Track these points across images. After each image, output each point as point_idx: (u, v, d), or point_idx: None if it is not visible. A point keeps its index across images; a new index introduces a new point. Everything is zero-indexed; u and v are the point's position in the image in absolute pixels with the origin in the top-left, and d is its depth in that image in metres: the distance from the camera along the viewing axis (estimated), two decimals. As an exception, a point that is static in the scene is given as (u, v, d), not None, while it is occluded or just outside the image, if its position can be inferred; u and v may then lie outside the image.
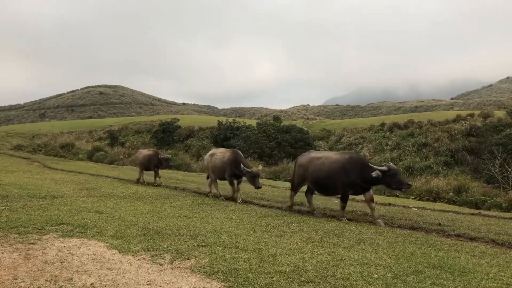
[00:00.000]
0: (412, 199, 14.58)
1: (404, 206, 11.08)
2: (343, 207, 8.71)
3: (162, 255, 5.23)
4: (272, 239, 6.34)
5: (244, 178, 10.94)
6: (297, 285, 4.31)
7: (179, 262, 4.98)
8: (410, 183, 9.41)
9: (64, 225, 6.64)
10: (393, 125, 38.05)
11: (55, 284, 4.15)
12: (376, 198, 10.30)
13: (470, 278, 4.66)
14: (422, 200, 14.31)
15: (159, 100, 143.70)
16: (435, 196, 14.66)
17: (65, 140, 38.52)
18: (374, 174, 8.08)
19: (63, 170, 19.41)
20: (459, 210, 11.10)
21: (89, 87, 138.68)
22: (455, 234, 7.21)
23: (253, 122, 41.36)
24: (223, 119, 40.65)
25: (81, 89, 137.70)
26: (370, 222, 8.31)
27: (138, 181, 14.89)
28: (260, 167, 11.85)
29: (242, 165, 10.53)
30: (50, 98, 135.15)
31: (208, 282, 4.33)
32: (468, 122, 33.61)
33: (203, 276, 4.51)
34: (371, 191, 8.54)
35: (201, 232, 6.57)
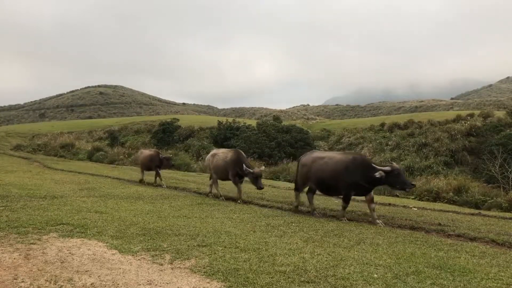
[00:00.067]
0: (412, 199, 14.57)
1: (404, 206, 11.07)
2: (344, 207, 8.69)
3: (162, 255, 5.24)
4: (272, 239, 6.34)
5: (245, 178, 10.91)
6: (297, 285, 4.31)
7: (179, 262, 4.98)
8: (414, 183, 9.37)
9: (64, 225, 6.64)
10: (393, 125, 38.06)
11: (55, 284, 4.15)
12: (376, 198, 10.30)
13: (470, 278, 4.66)
14: (422, 200, 14.30)
15: (159, 100, 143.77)
16: (435, 196, 14.65)
17: (65, 140, 38.51)
18: (377, 174, 8.03)
19: (63, 170, 19.40)
20: (459, 210, 11.09)
21: (89, 87, 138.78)
22: (455, 234, 7.21)
23: (253, 122, 41.36)
24: (223, 119, 40.66)
25: (81, 89, 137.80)
26: (370, 222, 8.30)
27: (141, 182, 14.84)
28: (263, 168, 11.83)
29: (244, 165, 10.51)
30: (50, 98, 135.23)
31: (208, 282, 4.33)
32: (468, 122, 33.62)
33: (203, 276, 4.51)
34: (372, 191, 8.54)
35: (201, 232, 6.57)
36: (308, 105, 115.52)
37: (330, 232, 7.02)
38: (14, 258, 4.86)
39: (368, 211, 8.83)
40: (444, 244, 6.44)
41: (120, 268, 4.69)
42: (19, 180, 13.10)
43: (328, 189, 9.11)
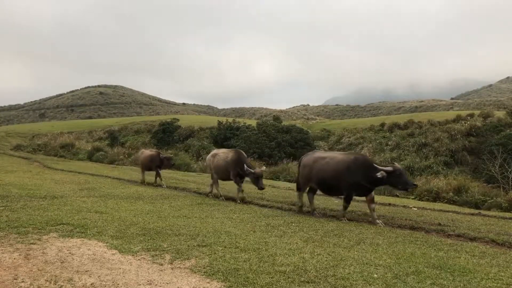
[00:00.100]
0: (412, 199, 14.57)
1: (404, 206, 11.07)
2: (345, 207, 8.67)
3: (162, 255, 5.24)
4: (272, 239, 6.34)
5: (246, 179, 10.90)
6: (297, 285, 4.31)
7: (179, 262, 4.98)
8: (416, 183, 9.34)
9: (64, 225, 6.64)
10: (393, 125, 38.07)
11: (55, 284, 4.15)
12: (376, 198, 10.29)
13: (470, 278, 4.66)
14: (422, 200, 14.30)
15: (159, 100, 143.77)
16: (435, 196, 14.65)
17: (65, 140, 38.52)
18: (379, 174, 8.01)
19: (63, 170, 19.40)
20: (459, 210, 11.08)
21: (89, 87, 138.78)
22: (455, 234, 7.21)
23: (253, 122, 41.36)
24: (223, 119, 40.66)
25: (81, 89, 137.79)
26: (370, 222, 8.30)
27: (142, 183, 14.77)
28: (264, 168, 11.83)
29: (245, 165, 10.50)
30: (50, 98, 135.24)
31: (208, 282, 4.33)
32: (468, 122, 33.63)
33: (203, 276, 4.51)
34: (372, 192, 8.52)
35: (201, 232, 6.57)
36: (308, 105, 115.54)
37: (330, 232, 7.02)
38: (14, 258, 4.86)
39: (368, 211, 8.82)
40: (444, 244, 6.44)
41: (120, 268, 4.69)
42: (19, 180, 13.10)
43: (330, 189, 9.08)
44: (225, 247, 5.70)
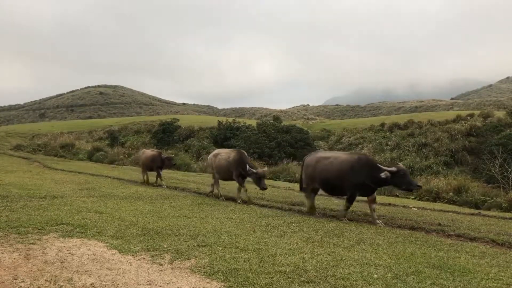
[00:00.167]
0: (412, 199, 14.58)
1: (404, 206, 11.07)
2: (347, 208, 8.62)
3: (162, 255, 5.23)
4: (272, 239, 6.34)
5: (248, 179, 10.88)
6: (297, 285, 4.31)
7: (179, 262, 4.98)
8: (420, 184, 9.30)
9: (64, 225, 6.64)
10: (393, 125, 38.07)
11: (55, 284, 4.15)
12: (376, 198, 10.30)
13: (470, 278, 4.66)
14: (422, 200, 14.30)
15: (159, 100, 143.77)
16: (435, 196, 14.65)
17: (65, 140, 38.53)
18: (383, 175, 7.99)
19: (63, 170, 19.40)
20: (459, 210, 11.08)
21: (89, 87, 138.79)
22: (455, 234, 7.21)
23: (253, 122, 41.37)
24: (223, 119, 40.67)
25: (81, 89, 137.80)
26: (370, 222, 8.30)
27: (147, 182, 14.71)
28: (266, 169, 11.83)
29: (247, 165, 10.49)
30: (50, 98, 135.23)
31: (208, 282, 4.33)
32: (468, 122, 33.64)
33: (203, 276, 4.51)
34: (375, 192, 8.50)
35: (201, 232, 6.57)
36: (308, 105, 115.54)
37: (330, 232, 7.02)
38: (14, 258, 4.86)
39: (368, 211, 8.82)
40: (444, 244, 6.44)
41: (120, 268, 4.69)
42: (19, 180, 13.10)
43: (333, 190, 9.00)
44: (225, 247, 5.69)
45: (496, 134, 28.93)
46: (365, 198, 8.66)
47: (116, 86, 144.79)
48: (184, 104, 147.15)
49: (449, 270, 4.93)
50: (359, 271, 4.79)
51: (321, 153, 9.48)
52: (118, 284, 4.23)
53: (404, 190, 9.76)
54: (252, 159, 26.88)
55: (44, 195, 10.06)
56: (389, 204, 11.36)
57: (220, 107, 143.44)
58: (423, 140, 32.13)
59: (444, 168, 26.96)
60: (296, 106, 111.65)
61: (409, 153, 30.85)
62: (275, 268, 4.80)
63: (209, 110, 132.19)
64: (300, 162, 22.67)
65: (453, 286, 4.41)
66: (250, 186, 11.40)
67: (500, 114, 36.54)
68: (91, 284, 4.21)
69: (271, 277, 4.49)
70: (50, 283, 4.18)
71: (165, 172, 16.83)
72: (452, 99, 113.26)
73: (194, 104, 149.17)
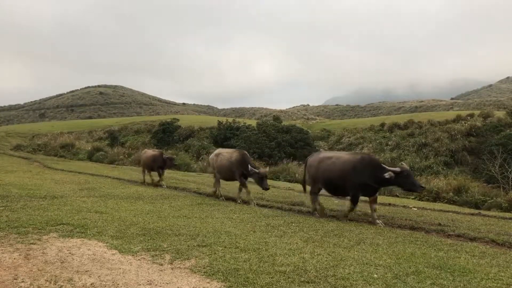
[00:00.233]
0: (412, 199, 14.58)
1: (404, 206, 11.07)
2: (352, 209, 8.52)
3: (162, 255, 5.24)
4: (272, 239, 6.34)
5: (249, 179, 10.88)
6: (297, 285, 4.31)
7: (179, 262, 4.98)
8: (424, 185, 9.26)
9: (64, 225, 6.64)
10: (393, 125, 38.08)
11: (55, 284, 4.15)
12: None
13: (470, 278, 4.66)
14: (422, 200, 14.31)
15: (159, 100, 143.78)
16: (435, 196, 14.65)
17: (65, 140, 38.54)
18: (386, 175, 7.93)
19: (63, 170, 19.40)
20: (459, 210, 11.09)
21: (89, 87, 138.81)
22: (455, 234, 7.21)
23: (253, 122, 41.37)
24: (223, 119, 40.67)
25: (81, 89, 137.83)
26: (370, 222, 8.30)
27: (152, 182, 14.65)
28: (267, 169, 11.83)
29: (249, 165, 10.49)
30: (50, 98, 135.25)
31: (208, 282, 4.33)
32: (468, 122, 33.66)
33: (203, 276, 4.51)
34: (377, 192, 8.47)
35: (201, 232, 6.57)
36: (308, 105, 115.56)
37: (330, 232, 7.02)
38: (14, 258, 4.86)
39: (368, 211, 8.81)
40: (444, 244, 6.44)
41: (120, 268, 4.69)
42: (19, 180, 13.10)
43: (336, 190, 8.93)
44: (225, 247, 5.69)
45: (496, 134, 28.94)
46: (366, 198, 8.66)
47: (116, 86, 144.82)
48: (184, 104, 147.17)
49: (449, 270, 4.93)
50: (359, 271, 4.79)
51: (324, 153, 9.42)
52: (118, 284, 4.23)
53: (407, 191, 9.70)
54: (252, 159, 26.90)
55: (44, 195, 10.06)
56: (389, 204, 11.36)
57: (220, 107, 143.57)
58: (423, 140, 32.14)
59: (444, 168, 26.97)
60: (296, 106, 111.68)
61: (409, 153, 30.86)
62: (275, 268, 4.81)
63: (209, 110, 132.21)
64: (300, 162, 22.73)
65: (453, 286, 4.41)
66: (250, 186, 11.40)
67: (500, 114, 36.55)
68: (91, 284, 4.21)
69: (271, 277, 4.49)
70: (50, 283, 4.18)
71: (165, 172, 16.82)
72: (452, 99, 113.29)
73: (194, 104, 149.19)
